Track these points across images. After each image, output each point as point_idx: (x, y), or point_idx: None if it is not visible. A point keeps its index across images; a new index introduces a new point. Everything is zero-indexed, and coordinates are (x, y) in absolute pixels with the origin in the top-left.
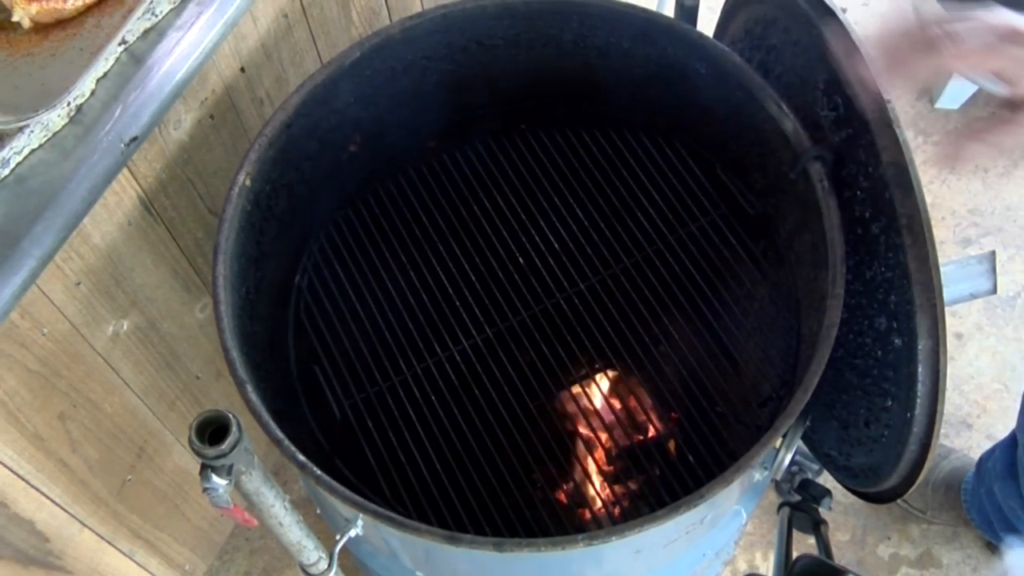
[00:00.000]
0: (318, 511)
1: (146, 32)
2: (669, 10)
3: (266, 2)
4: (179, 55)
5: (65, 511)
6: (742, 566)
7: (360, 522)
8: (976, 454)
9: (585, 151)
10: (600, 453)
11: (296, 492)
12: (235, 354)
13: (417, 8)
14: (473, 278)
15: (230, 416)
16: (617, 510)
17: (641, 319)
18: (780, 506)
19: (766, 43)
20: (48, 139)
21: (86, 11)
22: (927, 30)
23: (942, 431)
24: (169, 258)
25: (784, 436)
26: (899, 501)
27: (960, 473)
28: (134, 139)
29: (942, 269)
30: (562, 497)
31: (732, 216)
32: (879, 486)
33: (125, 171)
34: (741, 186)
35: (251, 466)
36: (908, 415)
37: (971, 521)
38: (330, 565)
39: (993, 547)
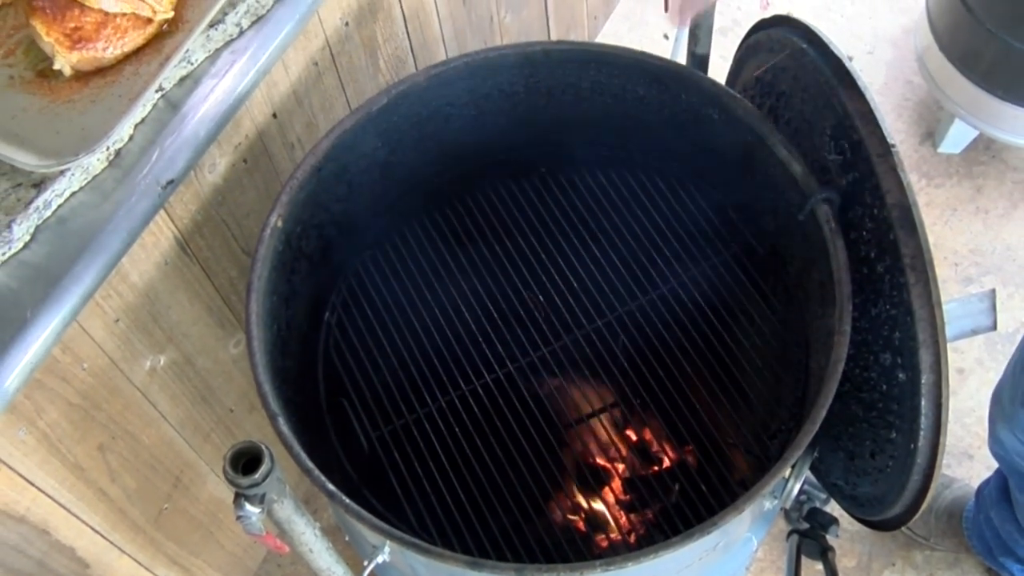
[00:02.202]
0: (347, 538)
1: (182, 79)
2: (682, 58)
3: (297, 51)
4: (214, 101)
5: (105, 538)
6: None
7: (387, 548)
8: (977, 484)
9: (602, 193)
10: (617, 483)
11: (325, 519)
12: (267, 388)
13: (441, 56)
14: (495, 315)
15: (263, 447)
16: (633, 537)
17: (656, 354)
18: (789, 533)
19: (776, 90)
20: (88, 182)
21: (124, 59)
22: None
23: (944, 461)
24: (204, 296)
25: (793, 467)
26: (903, 529)
27: (962, 502)
28: (170, 182)
29: (944, 306)
30: (580, 525)
31: (743, 255)
32: (884, 514)
33: (162, 213)
34: (752, 226)
35: (283, 495)
36: (912, 446)
37: (972, 548)
38: None
39: (993, 573)
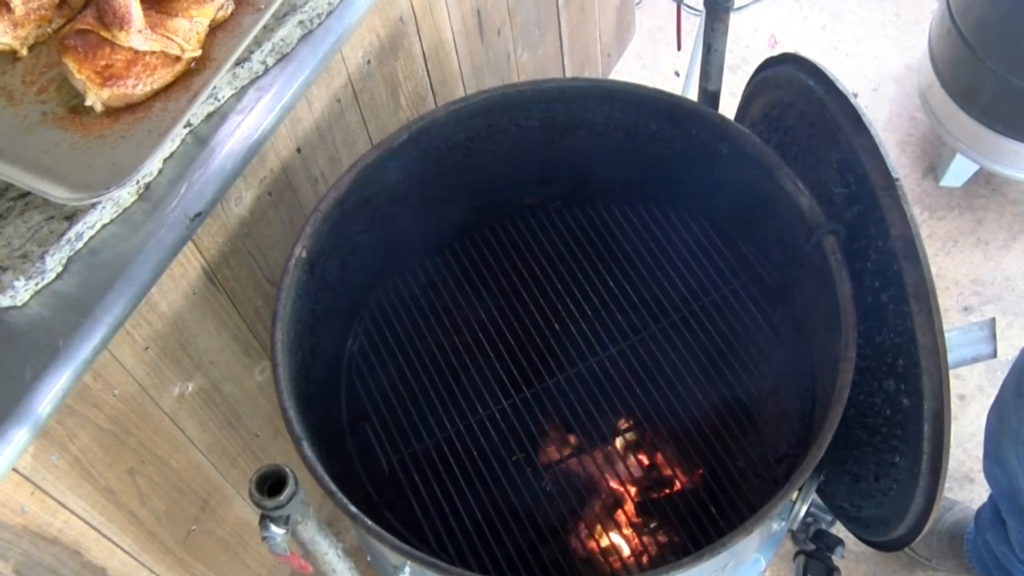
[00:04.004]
0: (368, 559)
1: (209, 115)
2: (693, 94)
3: (320, 88)
4: (240, 137)
5: (135, 559)
6: None
7: (407, 569)
8: (978, 506)
9: (615, 225)
10: (629, 505)
11: (348, 541)
12: (292, 414)
13: (460, 93)
14: (512, 343)
15: (287, 470)
16: (645, 558)
17: (668, 381)
18: (796, 554)
19: (783, 125)
20: (119, 214)
21: (154, 96)
22: None
23: (946, 485)
24: (231, 324)
25: (800, 490)
26: (906, 549)
27: (963, 524)
28: (198, 214)
29: (946, 335)
30: (594, 546)
31: (752, 285)
32: (888, 536)
33: (190, 244)
34: (760, 258)
35: (307, 516)
36: (915, 470)
37: (973, 569)
38: None
39: None
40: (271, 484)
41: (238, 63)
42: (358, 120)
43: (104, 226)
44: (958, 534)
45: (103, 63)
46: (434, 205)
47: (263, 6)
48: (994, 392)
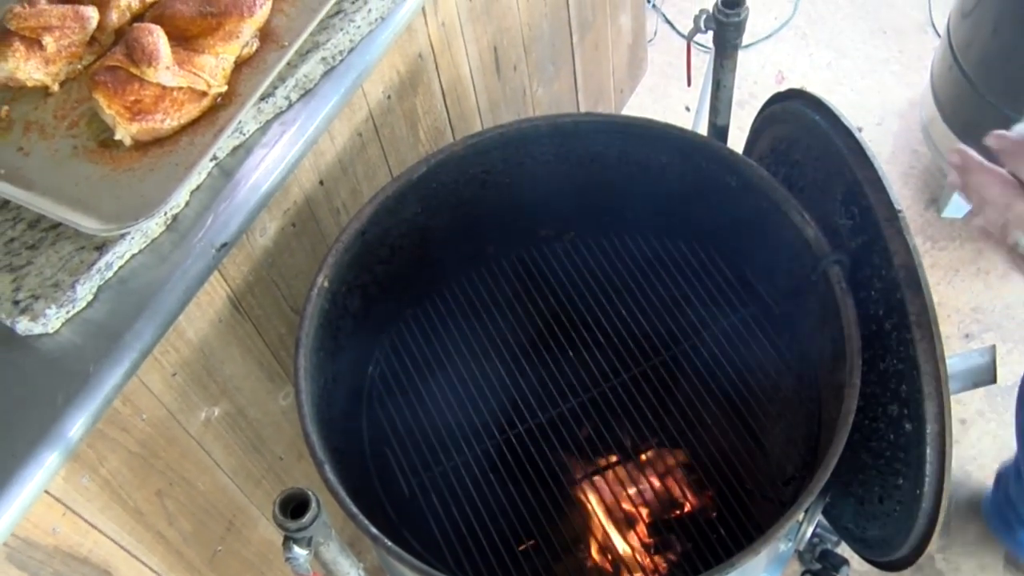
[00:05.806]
0: None
1: (235, 149)
2: (703, 129)
3: (342, 122)
4: (264, 170)
5: None
6: None
7: None
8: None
9: (628, 255)
10: (641, 526)
11: (369, 561)
12: (314, 438)
13: (477, 127)
14: (528, 369)
15: (310, 493)
16: None
17: (678, 406)
18: (802, 574)
19: (790, 159)
20: (147, 245)
21: (181, 130)
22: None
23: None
24: (255, 351)
25: (806, 511)
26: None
27: (979, 495)
28: (224, 245)
29: (948, 361)
30: (607, 565)
31: (760, 313)
32: (892, 555)
33: (216, 274)
34: (768, 287)
35: (329, 538)
36: (917, 492)
37: (995, 531)
38: None
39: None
40: (294, 506)
41: (263, 98)
42: (379, 153)
43: (133, 256)
44: (976, 501)
45: (132, 98)
46: (451, 236)
47: (287, 43)
48: (994, 416)
